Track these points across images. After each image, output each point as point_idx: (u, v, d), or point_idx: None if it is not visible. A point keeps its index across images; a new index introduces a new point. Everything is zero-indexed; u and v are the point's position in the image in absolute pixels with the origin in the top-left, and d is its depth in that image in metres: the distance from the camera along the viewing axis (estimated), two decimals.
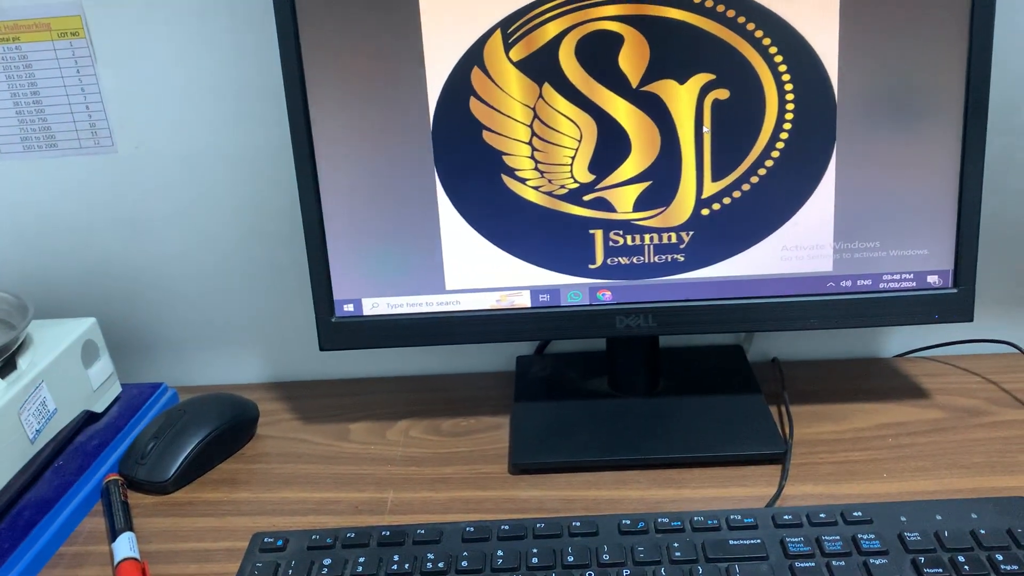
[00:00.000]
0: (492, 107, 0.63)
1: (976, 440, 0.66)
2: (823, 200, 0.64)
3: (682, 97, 0.62)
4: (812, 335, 0.82)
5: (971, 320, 0.65)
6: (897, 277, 0.66)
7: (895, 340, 0.82)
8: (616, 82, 0.62)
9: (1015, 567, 0.50)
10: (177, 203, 0.79)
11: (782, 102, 0.62)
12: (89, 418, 0.72)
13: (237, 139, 0.77)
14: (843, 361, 0.80)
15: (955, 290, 0.65)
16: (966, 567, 0.50)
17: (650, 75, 0.62)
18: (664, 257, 0.66)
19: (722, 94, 0.62)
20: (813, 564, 0.52)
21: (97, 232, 0.80)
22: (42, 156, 0.77)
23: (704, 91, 0.62)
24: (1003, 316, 0.80)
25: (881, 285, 0.66)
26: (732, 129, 0.63)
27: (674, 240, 0.66)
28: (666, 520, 0.56)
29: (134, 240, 0.80)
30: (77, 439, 0.70)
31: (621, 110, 0.63)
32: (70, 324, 0.72)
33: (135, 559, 0.58)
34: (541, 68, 0.62)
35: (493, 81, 0.63)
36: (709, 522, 0.55)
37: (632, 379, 0.74)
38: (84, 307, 0.82)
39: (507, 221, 0.65)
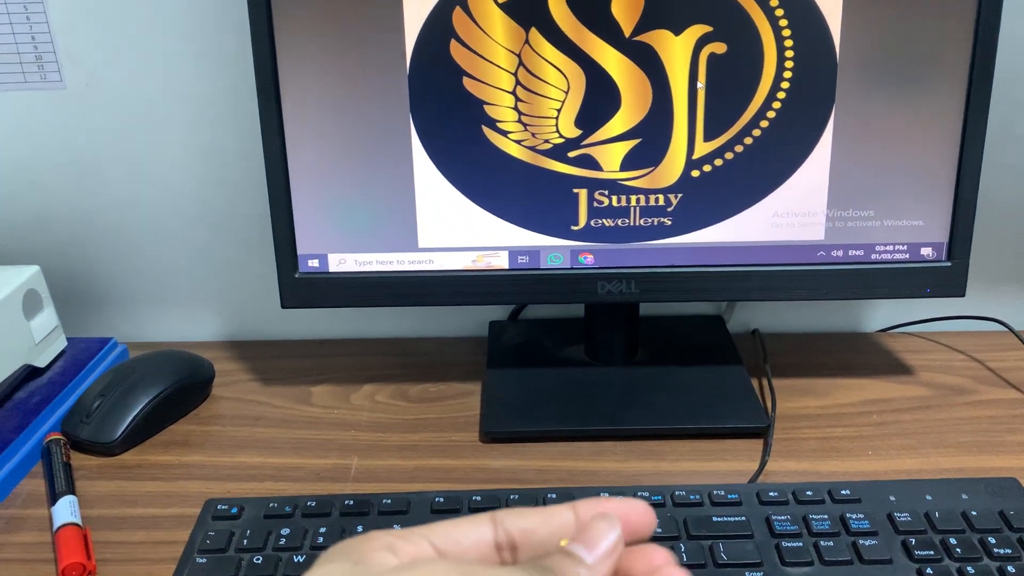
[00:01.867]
0: (474, 52, 0.59)
1: (962, 419, 0.64)
2: (818, 165, 0.61)
3: (677, 49, 0.59)
4: (794, 307, 0.79)
5: (963, 295, 0.63)
6: (890, 248, 0.63)
7: (879, 314, 0.80)
8: (608, 30, 0.58)
9: (1008, 550, 0.48)
10: (130, 145, 0.74)
11: (781, 59, 0.59)
12: (31, 373, 0.68)
13: (196, 78, 0.72)
14: (825, 335, 0.77)
15: (949, 263, 0.63)
16: (958, 550, 0.48)
17: (644, 24, 0.58)
18: (650, 220, 0.63)
19: (719, 48, 0.59)
20: (800, 544, 0.49)
21: (42, 174, 0.75)
22: None
23: (700, 44, 0.59)
24: (989, 293, 0.79)
25: (873, 256, 0.63)
26: (728, 86, 0.59)
27: (661, 202, 0.62)
28: (646, 494, 0.53)
29: (83, 184, 0.75)
30: (17, 395, 0.66)
31: (612, 61, 0.59)
32: (10, 272, 0.68)
33: (76, 525, 0.54)
34: (528, 11, 0.58)
35: (476, 23, 0.58)
36: (691, 497, 0.53)
37: (610, 347, 0.71)
38: (27, 255, 0.77)
39: (486, 176, 0.62)
